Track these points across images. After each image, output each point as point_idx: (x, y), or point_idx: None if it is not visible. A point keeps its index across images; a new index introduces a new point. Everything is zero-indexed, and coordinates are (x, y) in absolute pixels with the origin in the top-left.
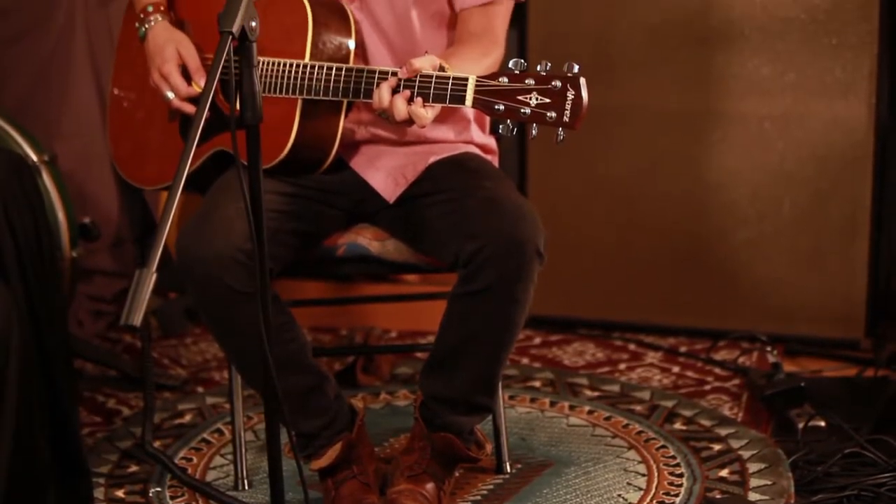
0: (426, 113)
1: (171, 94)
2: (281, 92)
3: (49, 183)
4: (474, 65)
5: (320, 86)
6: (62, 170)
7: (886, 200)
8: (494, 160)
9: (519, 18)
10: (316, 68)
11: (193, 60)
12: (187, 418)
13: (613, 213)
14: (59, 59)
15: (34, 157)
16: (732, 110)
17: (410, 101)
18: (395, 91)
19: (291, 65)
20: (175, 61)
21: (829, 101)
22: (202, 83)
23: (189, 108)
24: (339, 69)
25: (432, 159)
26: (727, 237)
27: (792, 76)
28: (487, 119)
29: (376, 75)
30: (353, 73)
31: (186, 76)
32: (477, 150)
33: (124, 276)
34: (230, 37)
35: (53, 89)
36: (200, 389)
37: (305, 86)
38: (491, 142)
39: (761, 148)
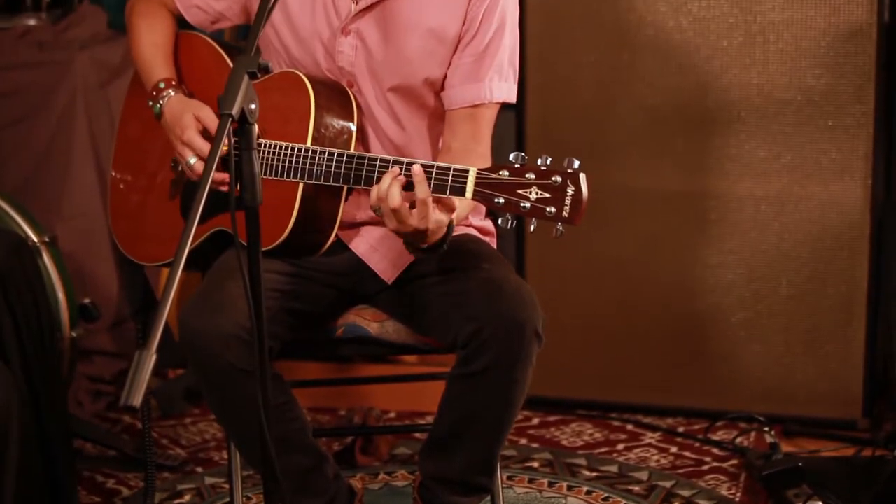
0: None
1: (193, 160)
2: (282, 175)
3: (49, 263)
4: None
5: (321, 171)
6: (62, 251)
7: (883, 280)
8: (493, 242)
9: (516, 101)
10: (318, 153)
11: (212, 122)
12: (187, 498)
13: (611, 294)
14: (59, 140)
15: (35, 238)
16: (729, 192)
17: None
18: (408, 188)
19: (293, 148)
20: (195, 127)
21: (826, 182)
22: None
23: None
24: (340, 155)
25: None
26: (725, 317)
27: (788, 158)
28: (484, 211)
29: (377, 163)
30: (355, 159)
31: (208, 138)
32: (475, 233)
33: (124, 356)
34: (230, 119)
35: (54, 170)
36: (200, 470)
37: (307, 170)
38: (489, 224)
39: (758, 229)
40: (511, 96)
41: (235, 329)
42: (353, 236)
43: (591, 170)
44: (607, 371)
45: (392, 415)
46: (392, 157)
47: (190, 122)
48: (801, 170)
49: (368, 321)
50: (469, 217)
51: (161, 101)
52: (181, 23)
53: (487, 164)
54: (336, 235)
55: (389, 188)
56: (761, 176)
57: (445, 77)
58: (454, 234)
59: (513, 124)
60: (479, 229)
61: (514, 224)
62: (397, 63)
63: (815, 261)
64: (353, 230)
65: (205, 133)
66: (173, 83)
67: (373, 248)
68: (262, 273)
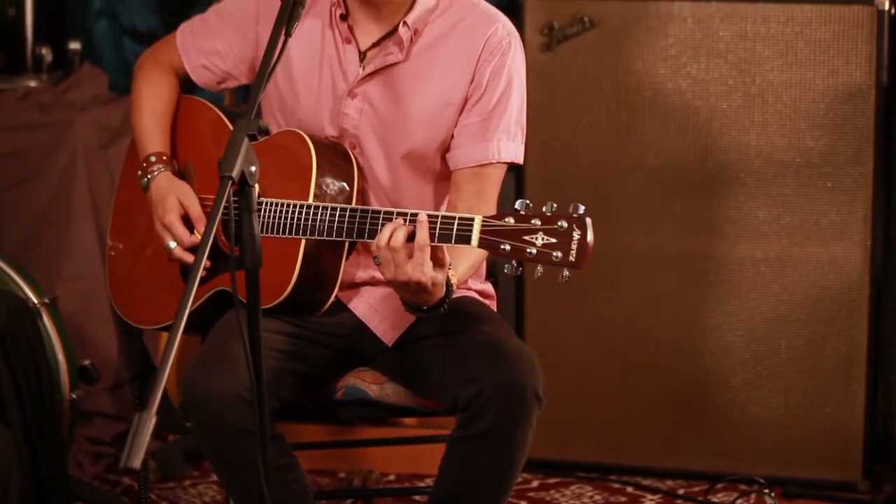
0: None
1: (173, 244)
2: (284, 233)
3: (49, 325)
4: (468, 261)
5: (324, 226)
6: (62, 312)
7: (882, 342)
8: (492, 305)
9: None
10: (319, 209)
11: (195, 209)
12: None
13: (610, 356)
14: (60, 202)
15: (35, 300)
16: (729, 254)
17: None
18: (409, 239)
19: (294, 205)
20: (177, 211)
21: (825, 244)
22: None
23: (189, 258)
24: (342, 210)
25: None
26: (724, 379)
27: (787, 219)
28: (484, 265)
29: (381, 216)
30: (358, 213)
31: (189, 224)
32: (475, 296)
33: (124, 418)
34: (230, 181)
35: (54, 232)
36: None
37: (308, 226)
38: (488, 287)
39: (758, 291)
40: (519, 157)
41: (238, 389)
42: (354, 297)
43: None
44: (607, 433)
45: (392, 477)
46: (396, 209)
47: (173, 205)
48: (800, 231)
49: (368, 383)
50: (469, 280)
51: (149, 176)
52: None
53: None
54: (336, 296)
55: (394, 231)
56: (761, 238)
57: (451, 138)
58: (454, 296)
59: (513, 185)
60: (480, 292)
61: (520, 271)
62: (404, 126)
63: (814, 322)
64: (353, 291)
65: (186, 220)
66: (164, 158)
67: (373, 308)
68: (264, 333)
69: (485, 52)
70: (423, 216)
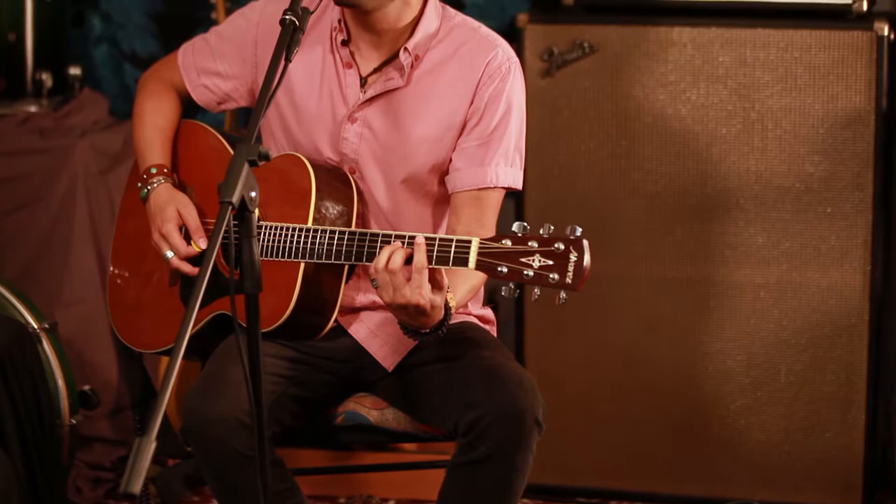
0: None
1: (170, 253)
2: (283, 256)
3: (49, 350)
4: (467, 285)
5: (323, 249)
6: (62, 337)
7: (882, 368)
8: (492, 330)
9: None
10: (319, 232)
11: (193, 221)
12: None
13: (611, 382)
14: (60, 227)
15: (34, 325)
16: (728, 279)
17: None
18: (407, 262)
19: (294, 229)
20: (175, 221)
21: (825, 270)
22: (201, 243)
23: (188, 268)
24: (341, 233)
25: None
26: (724, 404)
27: (787, 245)
28: (482, 290)
29: (379, 239)
30: (357, 236)
31: (187, 236)
32: (475, 321)
33: (123, 443)
34: (230, 206)
35: (54, 257)
36: None
37: (308, 250)
38: (488, 313)
39: (757, 316)
40: (517, 182)
41: (238, 414)
42: (353, 322)
43: (590, 256)
44: (607, 458)
45: (392, 503)
46: (394, 232)
47: (172, 215)
48: (799, 257)
49: (368, 409)
50: (468, 305)
51: (149, 187)
52: (190, 104)
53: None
54: (336, 320)
55: (392, 254)
56: (760, 263)
57: (450, 161)
58: (454, 321)
59: (512, 210)
60: (479, 317)
61: (517, 293)
62: (404, 150)
63: (814, 347)
64: (353, 315)
65: (183, 232)
66: (165, 171)
67: (373, 333)
68: (264, 358)
69: (484, 77)
70: (420, 239)
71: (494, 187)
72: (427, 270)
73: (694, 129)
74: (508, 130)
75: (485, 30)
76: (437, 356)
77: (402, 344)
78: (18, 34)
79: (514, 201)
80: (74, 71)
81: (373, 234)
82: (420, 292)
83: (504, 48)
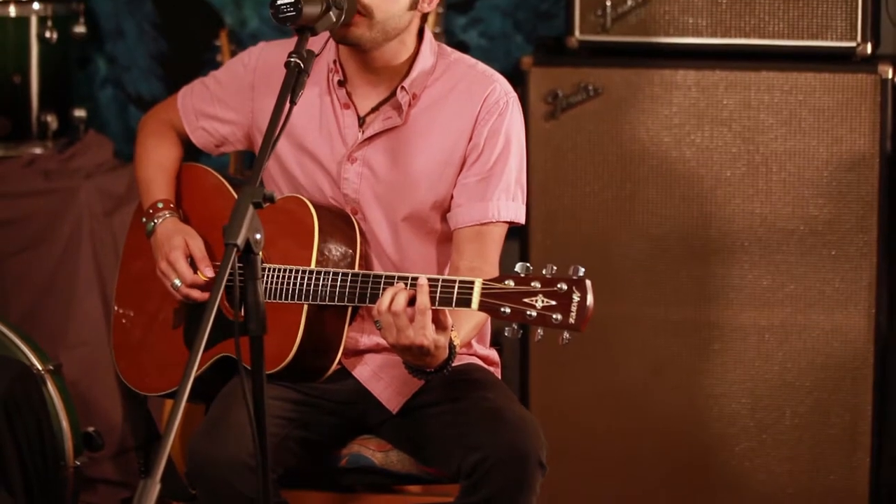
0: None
1: (178, 282)
2: (287, 298)
3: (53, 392)
4: (471, 322)
5: (326, 291)
6: (67, 379)
7: (887, 410)
8: (497, 372)
9: (520, 229)
10: (322, 274)
11: (199, 251)
12: None
13: (615, 424)
14: (64, 269)
15: (39, 366)
16: (733, 321)
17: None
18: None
19: (297, 271)
20: (182, 249)
21: (829, 312)
22: (207, 272)
23: (196, 295)
24: (344, 275)
25: None
26: (729, 447)
27: (791, 287)
28: (488, 332)
29: (382, 280)
30: (360, 278)
31: (193, 268)
32: (479, 362)
33: (128, 485)
34: (234, 249)
35: (59, 299)
36: None
37: (311, 292)
38: (492, 354)
39: (762, 358)
40: (519, 216)
41: (243, 456)
42: (357, 364)
43: (594, 298)
44: (611, 501)
45: None
46: (397, 273)
47: (179, 243)
48: (804, 299)
49: (373, 451)
50: (473, 344)
51: (156, 221)
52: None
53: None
54: (340, 362)
55: (395, 295)
56: (765, 305)
57: (452, 197)
58: (458, 363)
59: (517, 253)
60: (483, 358)
61: (521, 334)
62: (405, 188)
63: (818, 390)
64: (358, 357)
65: (190, 262)
66: (171, 206)
67: (377, 375)
68: (269, 400)
69: (482, 112)
70: (423, 280)
71: (496, 222)
72: (430, 311)
73: (698, 171)
74: (508, 165)
75: (481, 66)
76: (440, 398)
77: (406, 386)
78: (24, 76)
79: (519, 242)
80: (79, 113)
81: (376, 276)
82: (424, 333)
83: (501, 83)
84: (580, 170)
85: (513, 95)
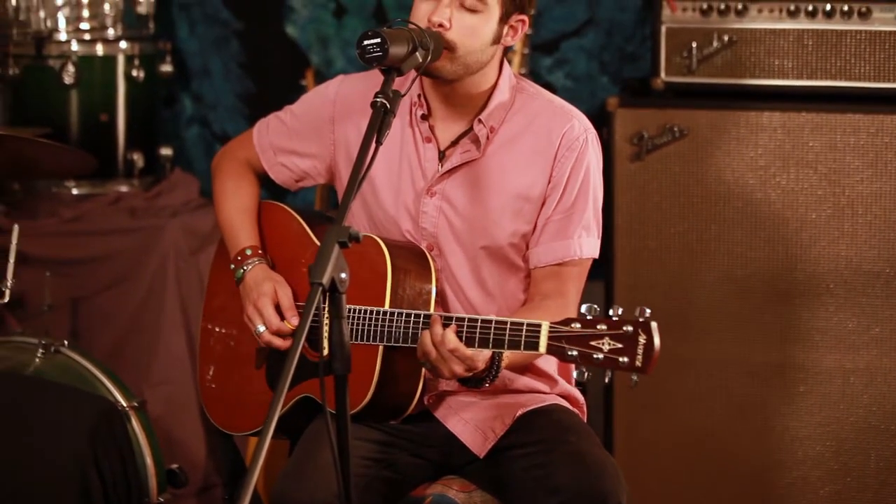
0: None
1: (262, 328)
2: (361, 339)
3: (138, 428)
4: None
5: (400, 333)
6: (151, 416)
7: None
8: (581, 412)
9: (605, 269)
10: (395, 315)
11: (287, 299)
12: None
13: (698, 466)
14: (150, 306)
15: (124, 403)
16: (818, 364)
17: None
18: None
19: (371, 312)
20: (271, 297)
21: None
22: (293, 321)
23: (279, 342)
24: (417, 315)
25: (520, 412)
26: (814, 490)
27: (877, 330)
28: (573, 371)
29: (453, 321)
30: (421, 318)
31: (280, 315)
32: (564, 402)
33: None
34: (320, 288)
35: (144, 336)
36: None
37: (385, 333)
38: (577, 394)
39: (847, 401)
40: (596, 252)
41: (328, 497)
42: (441, 406)
43: (678, 340)
44: None
45: None
46: (467, 316)
47: (269, 290)
48: (889, 342)
49: (456, 491)
50: (558, 381)
51: (245, 268)
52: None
53: (572, 314)
54: (420, 401)
55: (445, 334)
56: (850, 348)
57: (530, 233)
58: (542, 404)
59: (602, 293)
60: (567, 397)
61: (588, 376)
62: (482, 221)
63: None
64: (441, 400)
65: (277, 310)
66: (259, 252)
67: (463, 420)
68: (355, 441)
69: (562, 149)
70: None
71: (577, 259)
72: (460, 348)
73: (784, 213)
74: (588, 202)
75: (559, 101)
76: (524, 440)
77: (492, 430)
78: (111, 114)
79: (604, 283)
80: (166, 151)
81: (446, 318)
82: (451, 367)
83: (580, 119)
84: (665, 211)
85: (592, 131)
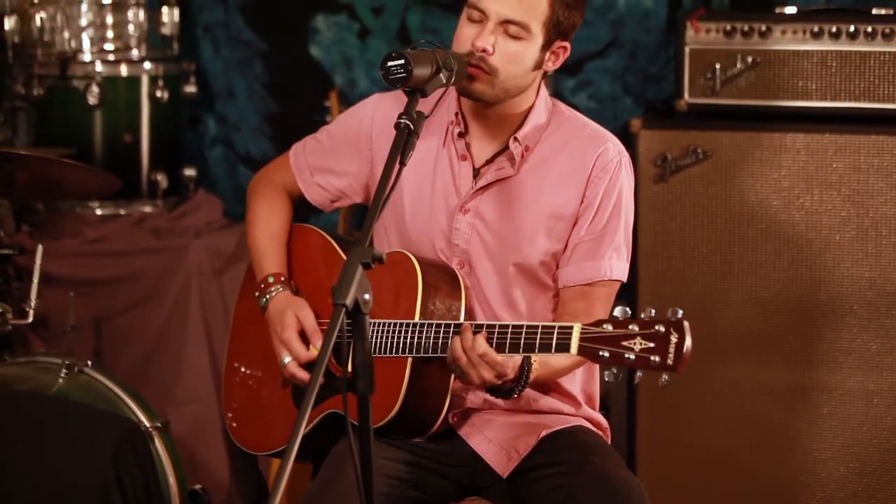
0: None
1: (287, 359)
2: (391, 352)
3: (161, 449)
4: (565, 359)
5: (429, 343)
6: (174, 436)
7: None
8: (605, 435)
9: (629, 290)
10: (425, 326)
11: (310, 323)
12: None
13: (722, 488)
14: (173, 326)
15: (147, 423)
16: (842, 385)
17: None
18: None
19: (401, 325)
20: (294, 327)
21: None
22: (318, 344)
23: (303, 375)
24: (448, 325)
25: (544, 432)
26: None
27: None
28: (597, 395)
29: (484, 328)
30: (452, 328)
31: (304, 340)
32: (587, 425)
33: None
34: (343, 309)
35: (168, 356)
36: None
37: (415, 344)
38: (600, 418)
39: (870, 423)
40: (625, 274)
41: None
42: (466, 425)
43: (702, 361)
44: None
45: None
46: (497, 322)
47: (291, 321)
48: None
49: None
50: (582, 406)
51: (268, 296)
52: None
53: None
54: (447, 418)
55: (475, 339)
56: (874, 370)
57: (561, 252)
58: (566, 425)
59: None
60: (592, 421)
61: (620, 377)
62: (514, 239)
63: None
64: (466, 418)
65: (302, 334)
66: (282, 279)
67: (487, 440)
68: (379, 460)
69: (595, 171)
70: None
71: (606, 280)
72: (490, 353)
73: (807, 235)
74: (620, 224)
75: (593, 125)
76: (549, 461)
77: (515, 451)
78: (135, 135)
79: (628, 304)
80: (189, 172)
81: (476, 326)
82: (480, 373)
83: (614, 142)
84: (688, 232)
85: (625, 155)
